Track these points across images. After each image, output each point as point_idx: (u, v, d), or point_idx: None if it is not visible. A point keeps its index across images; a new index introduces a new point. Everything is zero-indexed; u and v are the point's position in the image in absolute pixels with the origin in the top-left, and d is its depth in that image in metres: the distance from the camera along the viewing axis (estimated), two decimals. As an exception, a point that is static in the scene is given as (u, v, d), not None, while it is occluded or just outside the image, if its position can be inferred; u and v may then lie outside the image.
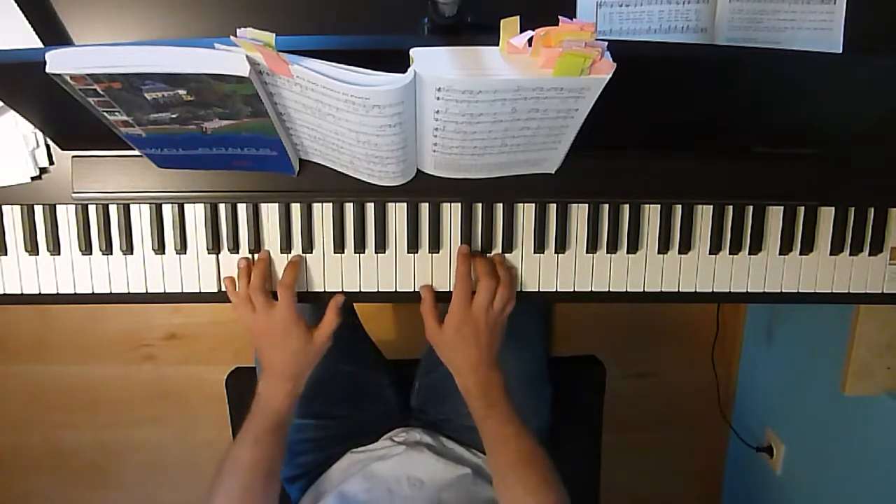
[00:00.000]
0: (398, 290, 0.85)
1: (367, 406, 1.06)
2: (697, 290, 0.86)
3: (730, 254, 0.85)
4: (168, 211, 0.82)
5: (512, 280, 0.83)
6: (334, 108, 0.60)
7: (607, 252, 0.85)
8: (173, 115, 0.62)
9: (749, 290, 0.86)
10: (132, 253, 0.83)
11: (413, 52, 0.56)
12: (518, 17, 0.54)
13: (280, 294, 0.80)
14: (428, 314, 0.83)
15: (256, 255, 0.82)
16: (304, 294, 0.84)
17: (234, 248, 0.83)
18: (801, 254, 0.86)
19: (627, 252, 0.85)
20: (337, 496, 0.88)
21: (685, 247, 0.85)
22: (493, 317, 0.81)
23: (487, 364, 0.82)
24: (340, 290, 0.84)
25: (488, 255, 0.84)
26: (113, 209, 0.82)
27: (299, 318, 0.81)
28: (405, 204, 0.83)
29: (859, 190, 0.84)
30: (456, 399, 1.04)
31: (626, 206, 0.84)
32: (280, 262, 0.83)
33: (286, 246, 0.83)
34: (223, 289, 0.83)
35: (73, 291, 0.84)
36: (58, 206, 0.82)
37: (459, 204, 0.83)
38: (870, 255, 0.86)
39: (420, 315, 0.83)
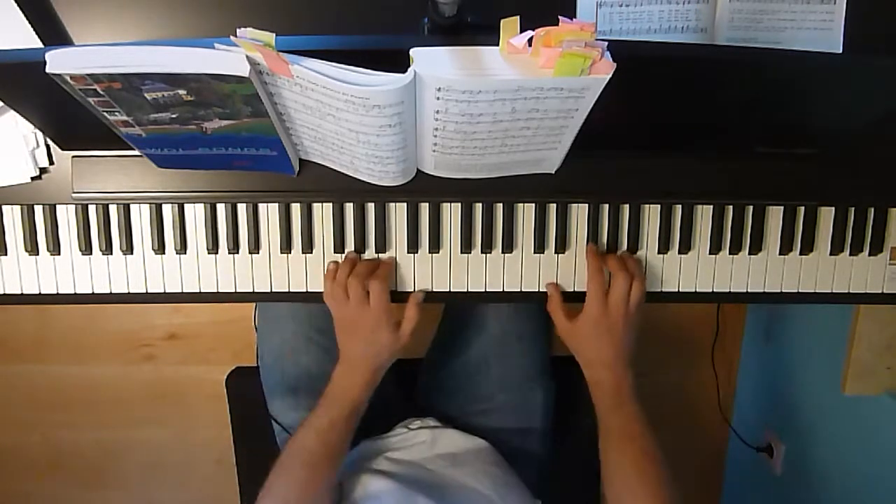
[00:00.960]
0: (398, 289, 0.85)
1: (370, 402, 1.06)
2: (697, 290, 0.86)
3: (730, 254, 0.85)
4: (168, 211, 0.82)
5: (643, 275, 0.84)
6: (334, 108, 0.60)
7: (608, 252, 0.85)
8: (173, 115, 0.62)
9: (749, 290, 0.86)
10: (132, 253, 0.83)
11: (413, 52, 0.56)
12: (518, 17, 0.54)
13: (374, 286, 0.80)
14: (557, 311, 0.83)
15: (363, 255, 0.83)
16: (305, 294, 0.84)
17: (234, 249, 0.83)
18: (801, 254, 0.86)
19: (628, 252, 0.85)
20: (375, 480, 0.87)
21: (685, 247, 0.85)
22: (631, 312, 0.81)
23: (624, 360, 0.82)
24: (413, 292, 0.84)
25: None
26: (113, 209, 0.82)
27: (391, 314, 0.81)
28: (405, 204, 0.83)
29: (859, 190, 0.84)
30: (461, 397, 1.05)
31: (626, 206, 0.84)
32: (281, 261, 0.83)
33: (286, 246, 0.83)
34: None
35: (73, 291, 0.84)
36: (58, 206, 0.82)
37: (459, 204, 0.83)
38: (870, 255, 0.86)
39: (421, 314, 0.83)
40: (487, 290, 0.85)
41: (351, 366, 0.84)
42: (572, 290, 0.85)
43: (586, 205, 0.84)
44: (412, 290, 0.85)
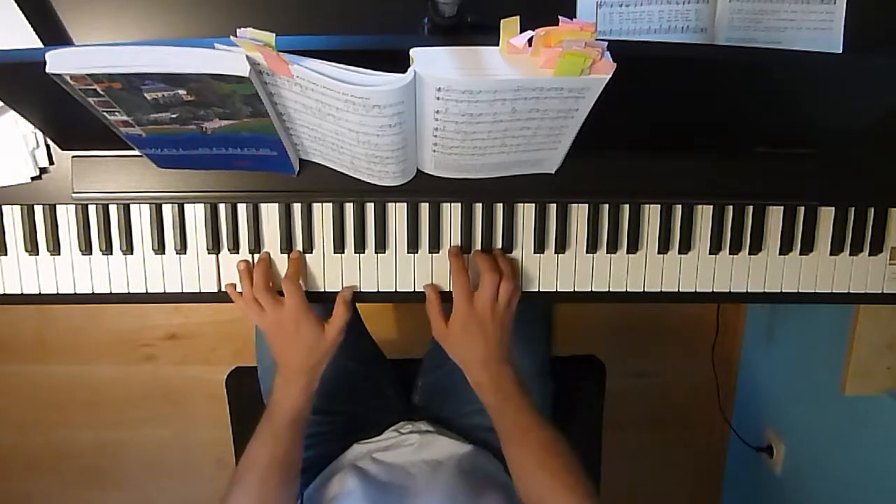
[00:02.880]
0: (398, 290, 0.85)
1: (368, 402, 1.07)
2: (697, 290, 0.86)
3: (730, 254, 0.85)
4: (168, 211, 0.82)
5: (514, 272, 0.83)
6: (334, 108, 0.60)
7: (607, 252, 0.85)
8: (173, 115, 0.62)
9: (749, 290, 0.86)
10: (132, 253, 0.83)
11: (413, 52, 0.56)
12: (518, 17, 0.54)
13: (285, 288, 0.80)
14: (434, 313, 0.83)
15: (256, 257, 0.82)
16: (305, 294, 0.84)
17: (234, 248, 0.83)
18: (801, 254, 0.86)
19: (627, 252, 0.85)
20: (355, 480, 0.87)
21: (685, 247, 0.85)
22: (500, 310, 0.81)
23: (497, 358, 0.82)
24: (340, 290, 0.84)
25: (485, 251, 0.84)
26: (113, 209, 0.82)
27: (309, 311, 0.81)
28: (405, 204, 0.83)
29: (859, 190, 0.84)
30: (457, 398, 1.05)
31: (626, 206, 0.84)
32: (281, 262, 0.83)
33: (286, 246, 0.83)
34: (223, 289, 0.83)
35: (73, 291, 0.84)
36: (58, 206, 0.82)
37: (459, 204, 0.83)
38: (870, 255, 0.86)
39: (421, 314, 0.83)
40: (487, 290, 0.85)
41: (285, 373, 0.83)
42: (572, 290, 0.86)
43: (586, 205, 0.84)
44: (412, 290, 0.85)
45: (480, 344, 0.81)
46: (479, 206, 0.83)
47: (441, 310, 0.83)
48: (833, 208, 0.85)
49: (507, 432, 0.82)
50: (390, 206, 0.83)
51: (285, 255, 0.83)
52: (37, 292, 0.84)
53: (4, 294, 0.84)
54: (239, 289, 0.83)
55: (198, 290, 0.84)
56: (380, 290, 0.85)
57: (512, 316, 0.83)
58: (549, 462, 0.79)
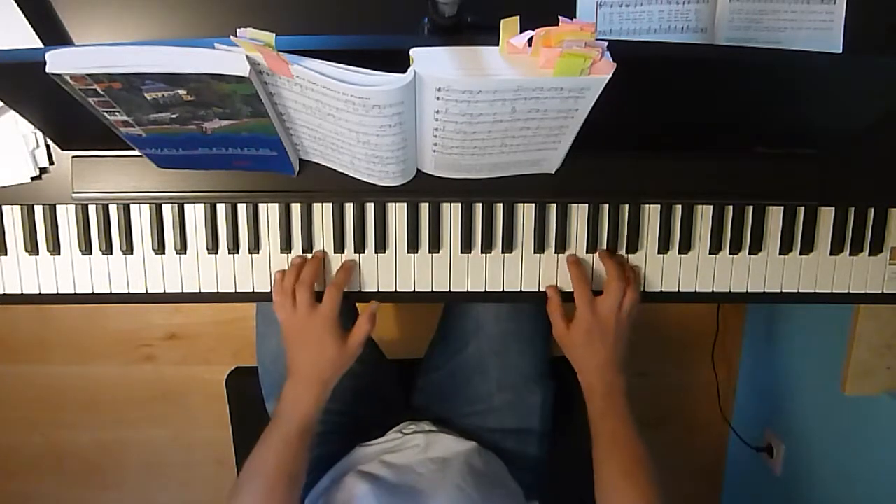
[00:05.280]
0: (398, 290, 0.85)
1: (368, 402, 1.07)
2: (697, 290, 0.86)
3: (730, 254, 0.85)
4: (168, 211, 0.82)
5: (639, 281, 0.84)
6: (334, 109, 0.60)
7: (606, 251, 0.85)
8: (173, 115, 0.62)
9: (749, 290, 0.86)
10: (132, 253, 0.83)
11: (413, 52, 0.56)
12: (518, 17, 0.54)
13: (328, 293, 0.80)
14: (555, 314, 0.84)
15: (310, 255, 0.83)
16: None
17: (234, 248, 0.83)
18: (801, 254, 0.86)
19: (627, 252, 0.85)
20: (364, 484, 0.87)
21: (685, 247, 0.85)
22: (623, 319, 0.82)
23: (616, 367, 0.83)
24: (369, 304, 0.84)
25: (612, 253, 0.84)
26: (113, 209, 0.82)
27: (338, 324, 0.81)
28: (405, 204, 0.83)
29: (859, 190, 0.84)
30: (457, 398, 1.05)
31: (626, 206, 0.84)
32: (281, 261, 0.83)
33: (286, 246, 0.83)
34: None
35: (73, 291, 0.84)
36: (58, 206, 0.82)
37: (459, 204, 0.83)
38: (870, 255, 0.86)
39: (421, 315, 0.83)
40: (487, 290, 0.85)
41: (299, 380, 0.82)
42: (572, 290, 0.85)
43: (586, 205, 0.84)
44: (412, 290, 0.85)
45: (601, 350, 0.82)
46: (479, 206, 0.83)
47: (562, 311, 0.84)
48: (833, 208, 0.85)
49: (602, 438, 0.83)
50: (390, 206, 0.83)
51: (286, 255, 0.83)
52: (37, 292, 0.84)
53: (4, 294, 0.84)
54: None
55: (198, 290, 0.84)
56: (379, 290, 0.85)
57: (632, 325, 0.83)
58: (636, 475, 0.79)
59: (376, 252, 0.84)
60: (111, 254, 0.83)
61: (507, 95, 0.57)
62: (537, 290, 0.85)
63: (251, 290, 0.84)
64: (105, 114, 0.61)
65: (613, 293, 0.81)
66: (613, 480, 0.80)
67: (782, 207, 0.85)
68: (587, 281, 0.83)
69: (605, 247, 0.84)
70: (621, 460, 0.81)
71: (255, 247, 0.83)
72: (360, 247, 0.83)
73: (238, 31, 0.53)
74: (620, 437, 0.82)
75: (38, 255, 0.83)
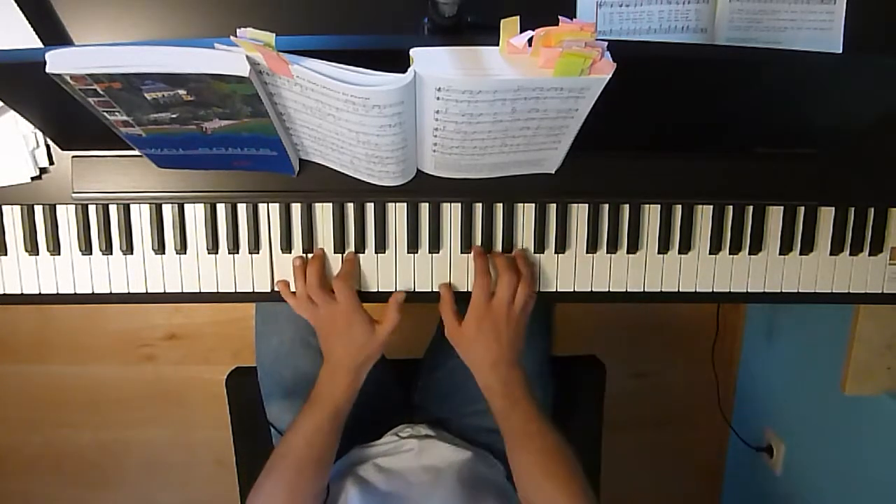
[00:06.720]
0: (398, 290, 0.85)
1: (368, 402, 1.06)
2: (697, 290, 0.86)
3: (730, 254, 0.85)
4: (168, 211, 0.82)
5: (533, 276, 0.83)
6: (334, 109, 0.60)
7: (607, 252, 0.85)
8: (173, 115, 0.62)
9: (749, 290, 0.86)
10: (132, 253, 0.83)
11: (413, 52, 0.56)
12: (518, 17, 0.54)
13: (337, 287, 0.81)
14: (447, 312, 0.83)
15: (310, 255, 0.83)
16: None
17: (234, 248, 0.83)
18: (801, 254, 0.86)
19: (627, 252, 0.85)
20: (355, 488, 0.88)
21: (685, 247, 0.85)
22: (515, 313, 0.81)
23: (509, 361, 0.82)
24: (394, 292, 0.84)
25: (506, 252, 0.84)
26: (113, 209, 0.82)
27: (361, 310, 0.82)
28: (405, 204, 0.83)
29: (859, 190, 0.84)
30: (457, 398, 1.05)
31: (626, 206, 0.84)
32: (285, 261, 0.83)
33: (286, 246, 0.83)
34: (275, 288, 0.83)
35: (73, 291, 0.84)
36: (58, 206, 0.82)
37: (459, 204, 0.83)
38: (870, 255, 0.86)
39: (421, 315, 0.83)
40: (487, 290, 0.85)
41: (333, 367, 0.84)
42: (572, 290, 0.86)
43: (586, 205, 0.84)
44: (412, 290, 0.85)
45: (493, 345, 0.81)
46: (479, 206, 0.83)
47: (454, 309, 0.83)
48: (833, 208, 0.85)
49: (513, 437, 0.82)
50: (390, 206, 0.83)
51: (286, 255, 0.83)
52: (37, 292, 0.84)
53: (4, 294, 0.84)
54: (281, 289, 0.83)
55: (198, 290, 0.84)
56: (380, 290, 0.85)
57: (527, 320, 0.83)
58: (554, 469, 0.79)
59: (376, 252, 0.84)
60: (111, 254, 0.83)
61: (507, 95, 0.57)
62: (537, 290, 0.85)
63: (251, 290, 0.84)
64: (105, 114, 0.61)
65: (504, 286, 0.80)
66: (535, 481, 0.80)
67: (782, 207, 0.85)
68: (488, 274, 0.82)
69: (604, 247, 0.84)
70: (535, 457, 0.80)
71: (255, 247, 0.83)
72: (360, 247, 0.83)
73: (238, 31, 0.53)
74: (530, 432, 0.81)
75: (38, 255, 0.83)
